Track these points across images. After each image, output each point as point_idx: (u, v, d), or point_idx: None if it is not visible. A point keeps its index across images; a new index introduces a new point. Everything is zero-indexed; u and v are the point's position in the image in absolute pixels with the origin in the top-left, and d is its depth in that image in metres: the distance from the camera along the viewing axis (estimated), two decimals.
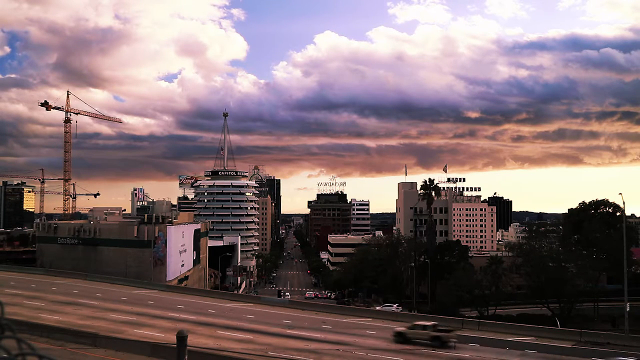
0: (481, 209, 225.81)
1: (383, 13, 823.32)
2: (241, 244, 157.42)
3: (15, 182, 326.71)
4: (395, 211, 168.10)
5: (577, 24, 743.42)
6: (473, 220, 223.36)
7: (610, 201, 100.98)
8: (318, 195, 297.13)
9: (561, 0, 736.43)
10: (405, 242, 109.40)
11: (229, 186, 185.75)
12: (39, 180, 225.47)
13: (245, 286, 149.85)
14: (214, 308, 53.97)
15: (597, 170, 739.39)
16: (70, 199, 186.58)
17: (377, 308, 75.62)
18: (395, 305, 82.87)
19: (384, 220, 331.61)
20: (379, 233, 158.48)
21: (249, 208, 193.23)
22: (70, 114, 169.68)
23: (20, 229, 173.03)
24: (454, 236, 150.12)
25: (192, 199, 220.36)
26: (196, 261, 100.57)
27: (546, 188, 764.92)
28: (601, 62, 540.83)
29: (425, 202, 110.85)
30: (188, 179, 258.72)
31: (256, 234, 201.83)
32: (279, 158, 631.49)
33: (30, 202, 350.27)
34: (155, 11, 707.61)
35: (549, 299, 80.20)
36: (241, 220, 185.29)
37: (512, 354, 36.67)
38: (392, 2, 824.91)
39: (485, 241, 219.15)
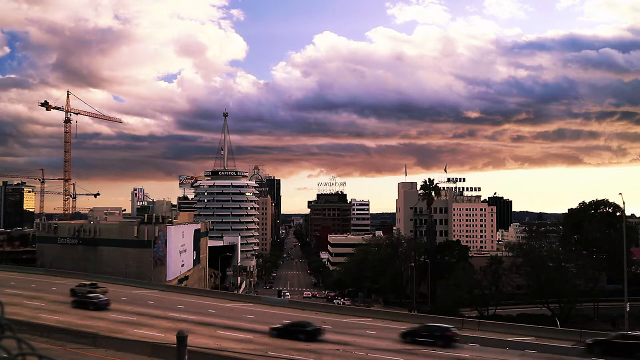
0: (481, 209, 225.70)
1: (382, 13, 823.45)
2: (241, 244, 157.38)
3: (15, 182, 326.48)
4: (395, 211, 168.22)
5: (576, 24, 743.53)
6: (473, 220, 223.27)
7: (610, 201, 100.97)
8: (318, 195, 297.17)
9: (559, 1, 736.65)
10: (405, 242, 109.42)
11: (229, 186, 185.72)
12: (39, 180, 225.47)
13: (245, 286, 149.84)
14: (214, 308, 53.96)
15: (597, 170, 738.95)
16: (70, 199, 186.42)
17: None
18: (342, 300, 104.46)
19: (384, 220, 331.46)
20: (379, 233, 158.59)
21: (249, 208, 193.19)
22: (70, 114, 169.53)
23: (20, 229, 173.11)
24: (454, 236, 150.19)
25: (192, 199, 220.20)
26: (196, 261, 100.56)
27: (546, 188, 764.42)
28: (600, 62, 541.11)
29: (425, 202, 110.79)
30: (188, 179, 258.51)
31: (256, 234, 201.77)
32: (279, 158, 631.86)
33: (30, 202, 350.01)
34: (154, 11, 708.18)
35: (549, 299, 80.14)
36: (241, 220, 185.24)
37: (512, 354, 36.65)
38: (391, 3, 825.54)
39: (485, 241, 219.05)
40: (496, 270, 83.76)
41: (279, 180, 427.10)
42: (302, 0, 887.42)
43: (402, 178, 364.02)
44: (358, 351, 35.75)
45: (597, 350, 35.25)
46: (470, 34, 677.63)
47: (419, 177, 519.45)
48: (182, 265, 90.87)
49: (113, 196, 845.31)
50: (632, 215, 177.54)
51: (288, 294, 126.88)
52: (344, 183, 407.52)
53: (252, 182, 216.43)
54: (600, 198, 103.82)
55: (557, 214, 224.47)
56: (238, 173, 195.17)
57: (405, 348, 37.57)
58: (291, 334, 38.64)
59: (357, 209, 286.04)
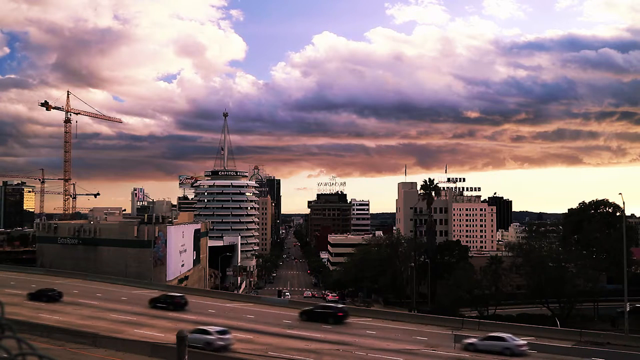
0: (481, 209, 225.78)
1: (381, 14, 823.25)
2: (241, 244, 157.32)
3: (15, 182, 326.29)
4: (395, 211, 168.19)
5: (575, 25, 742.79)
6: (473, 220, 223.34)
7: (610, 201, 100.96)
8: (318, 195, 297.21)
9: (558, 1, 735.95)
10: (405, 242, 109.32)
11: (229, 186, 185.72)
12: (39, 180, 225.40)
13: (245, 286, 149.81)
14: (214, 308, 53.97)
15: (597, 170, 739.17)
16: (70, 199, 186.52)
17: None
18: (329, 296, 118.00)
19: (384, 220, 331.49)
20: (379, 233, 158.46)
21: (249, 208, 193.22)
22: (70, 114, 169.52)
23: (20, 229, 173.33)
24: (454, 236, 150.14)
25: (192, 199, 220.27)
26: (196, 261, 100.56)
27: (546, 188, 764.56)
28: (599, 62, 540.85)
29: (425, 202, 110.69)
30: (188, 179, 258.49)
31: (256, 234, 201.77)
32: (279, 158, 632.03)
33: (30, 202, 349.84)
34: (154, 12, 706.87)
35: (548, 299, 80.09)
36: (241, 220, 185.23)
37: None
38: (390, 3, 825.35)
39: (485, 241, 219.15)
40: (496, 270, 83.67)
41: (279, 180, 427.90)
42: (302, 1, 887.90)
43: (402, 178, 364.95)
44: (358, 351, 35.77)
45: (304, 318, 46.54)
46: (469, 34, 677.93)
47: (419, 177, 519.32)
48: (182, 265, 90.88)
49: (113, 196, 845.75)
50: (632, 215, 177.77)
51: (288, 294, 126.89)
52: (344, 183, 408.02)
53: (252, 182, 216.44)
54: (600, 198, 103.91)
55: (557, 214, 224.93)
56: (238, 173, 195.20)
57: (404, 347, 37.63)
58: (37, 297, 51.40)
59: (357, 209, 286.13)
